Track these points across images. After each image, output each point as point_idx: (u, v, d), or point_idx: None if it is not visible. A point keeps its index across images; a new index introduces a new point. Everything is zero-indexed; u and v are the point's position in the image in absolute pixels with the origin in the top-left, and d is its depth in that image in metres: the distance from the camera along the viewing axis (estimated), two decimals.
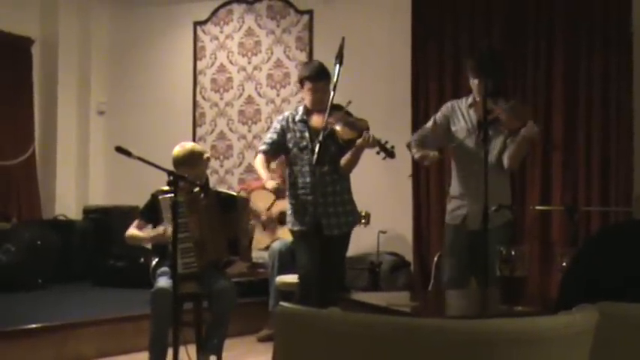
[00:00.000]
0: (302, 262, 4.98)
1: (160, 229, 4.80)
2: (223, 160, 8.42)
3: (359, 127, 4.74)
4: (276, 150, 5.07)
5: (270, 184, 5.01)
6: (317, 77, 4.89)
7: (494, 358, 1.59)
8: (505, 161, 4.88)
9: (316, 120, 4.81)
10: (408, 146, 5.20)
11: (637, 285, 1.89)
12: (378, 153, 4.74)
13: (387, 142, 4.72)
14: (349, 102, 4.70)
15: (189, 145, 5.04)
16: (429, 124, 5.19)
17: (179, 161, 4.85)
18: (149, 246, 5.22)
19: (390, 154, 4.73)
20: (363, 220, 6.02)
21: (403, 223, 7.27)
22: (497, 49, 6.07)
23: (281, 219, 6.57)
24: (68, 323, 5.78)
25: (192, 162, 4.87)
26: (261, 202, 6.77)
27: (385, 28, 7.62)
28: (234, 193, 5.29)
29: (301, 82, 5.03)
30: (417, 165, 7.22)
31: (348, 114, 4.83)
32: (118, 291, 7.29)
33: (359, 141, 4.69)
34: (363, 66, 7.33)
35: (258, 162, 5.09)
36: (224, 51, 8.44)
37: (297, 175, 4.99)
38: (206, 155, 5.03)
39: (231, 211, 4.95)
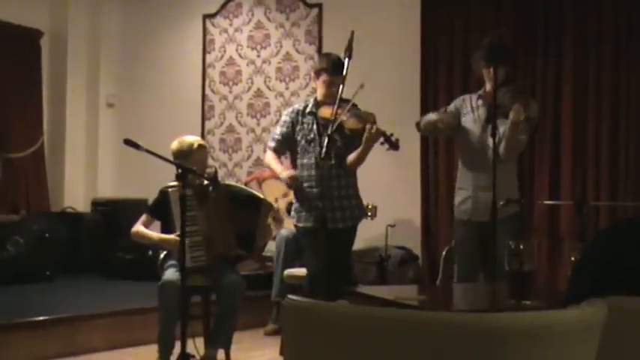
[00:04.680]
0: (309, 260, 4.95)
1: (171, 236, 4.80)
2: (232, 154, 8.42)
3: (365, 118, 4.73)
4: (286, 145, 5.03)
5: (286, 173, 4.95)
6: (335, 70, 4.83)
7: (503, 352, 1.59)
8: (501, 151, 4.84)
9: (325, 111, 4.79)
10: (417, 124, 5.18)
11: None
12: (382, 144, 4.72)
13: (392, 135, 4.71)
14: (362, 85, 4.65)
15: (180, 139, 5.04)
16: (441, 110, 5.23)
17: (175, 156, 4.86)
18: None
19: (393, 145, 4.70)
20: (369, 214, 6.00)
21: (411, 216, 7.27)
22: (504, 35, 5.99)
23: (289, 209, 6.56)
24: (76, 315, 5.80)
25: (184, 155, 4.87)
26: (271, 192, 6.77)
27: (394, 22, 7.59)
28: (260, 195, 5.28)
29: (318, 73, 4.98)
30: (425, 157, 7.21)
31: (356, 107, 4.82)
32: (126, 283, 7.32)
33: (365, 135, 4.66)
34: (372, 60, 7.31)
35: (270, 157, 5.05)
36: (233, 44, 8.44)
37: (304, 167, 4.97)
38: (197, 143, 5.03)
39: (251, 209, 4.96)
